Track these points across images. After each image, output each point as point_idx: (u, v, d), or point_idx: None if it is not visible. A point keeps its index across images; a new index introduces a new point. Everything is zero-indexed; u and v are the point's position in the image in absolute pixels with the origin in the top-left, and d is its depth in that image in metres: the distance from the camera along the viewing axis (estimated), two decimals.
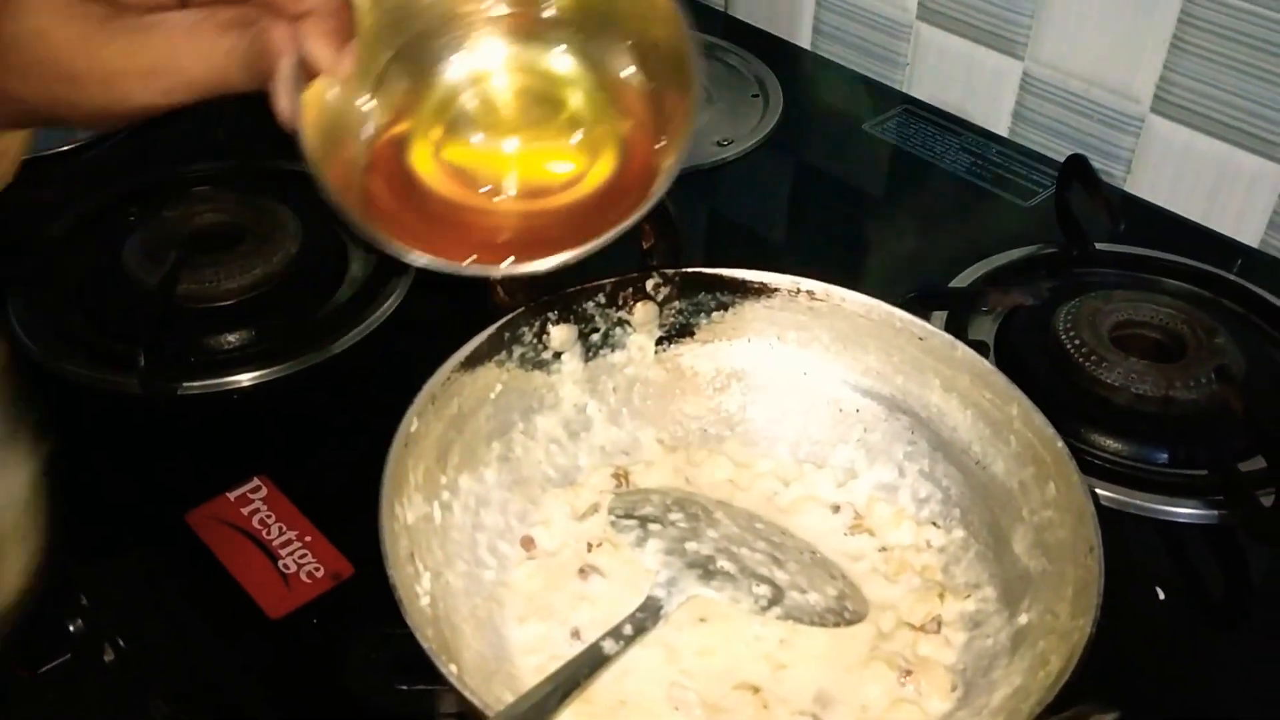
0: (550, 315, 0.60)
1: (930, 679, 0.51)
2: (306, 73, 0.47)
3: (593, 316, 0.61)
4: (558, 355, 0.61)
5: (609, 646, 0.49)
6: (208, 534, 0.61)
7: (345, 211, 0.49)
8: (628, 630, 0.50)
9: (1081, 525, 0.50)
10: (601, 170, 0.54)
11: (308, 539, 0.61)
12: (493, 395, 0.58)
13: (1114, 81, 0.89)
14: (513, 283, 0.58)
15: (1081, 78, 0.91)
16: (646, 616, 0.51)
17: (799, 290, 0.61)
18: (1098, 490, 0.63)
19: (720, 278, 0.62)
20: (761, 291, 0.62)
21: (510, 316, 0.58)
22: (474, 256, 0.51)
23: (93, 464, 0.66)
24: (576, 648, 0.51)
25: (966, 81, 0.98)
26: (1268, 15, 0.79)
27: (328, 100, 0.49)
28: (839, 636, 0.52)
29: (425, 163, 0.53)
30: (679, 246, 0.62)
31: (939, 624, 0.53)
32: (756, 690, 0.50)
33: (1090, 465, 0.65)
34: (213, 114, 0.92)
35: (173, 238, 0.77)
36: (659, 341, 0.63)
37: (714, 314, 0.63)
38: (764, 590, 0.52)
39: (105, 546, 0.61)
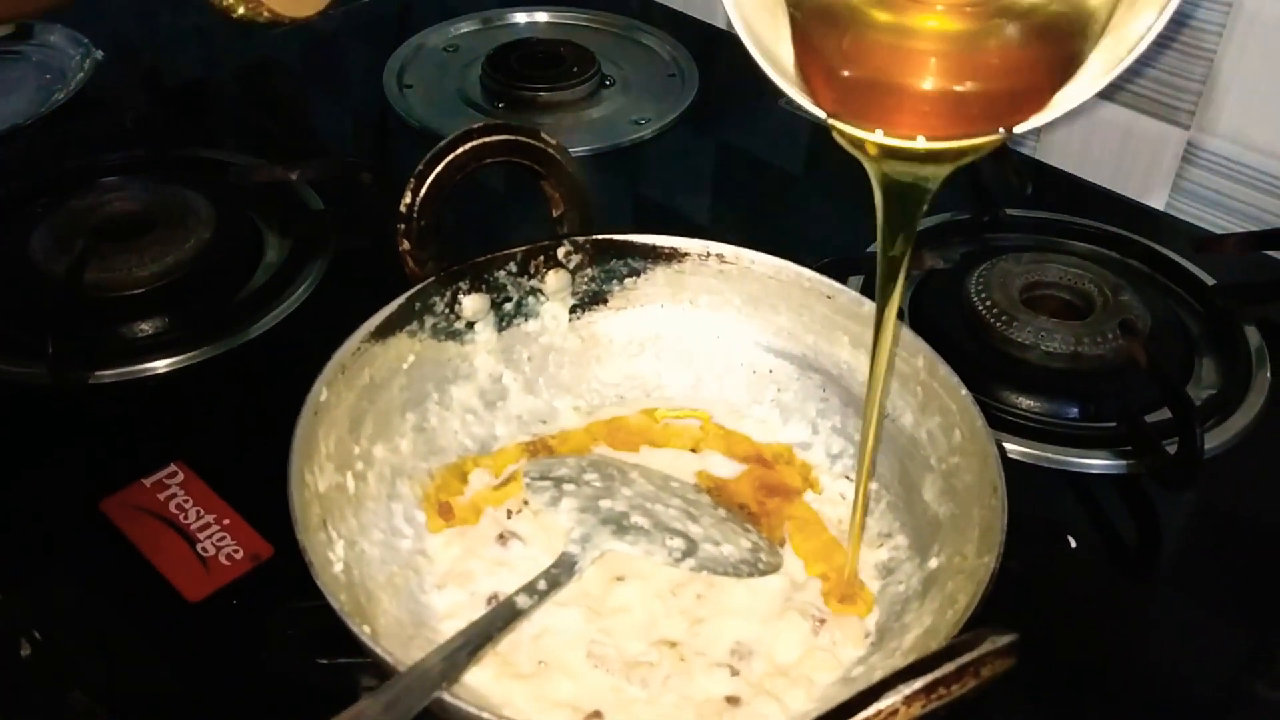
0: (461, 285, 0.59)
1: (844, 628, 0.51)
2: None
3: (505, 285, 0.61)
4: (470, 325, 0.60)
5: (522, 601, 0.49)
6: (124, 521, 0.60)
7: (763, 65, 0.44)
8: (542, 585, 0.50)
9: (985, 468, 0.51)
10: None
11: (226, 522, 0.60)
12: (405, 366, 0.58)
13: None
14: (424, 251, 0.57)
15: None
16: (561, 572, 0.51)
17: (709, 254, 0.62)
18: (1012, 446, 0.64)
19: (631, 244, 0.62)
20: (672, 257, 0.62)
21: (420, 286, 0.58)
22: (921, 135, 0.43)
23: (3, 456, 0.65)
24: None
25: None
26: None
27: None
28: (754, 590, 0.53)
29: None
30: (590, 215, 0.62)
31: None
32: (674, 645, 0.50)
33: (1004, 421, 0.66)
34: (121, 103, 0.91)
35: (81, 226, 0.75)
36: (572, 310, 0.63)
37: (626, 280, 0.63)
38: (678, 543, 0.53)
39: (18, 539, 0.60)
